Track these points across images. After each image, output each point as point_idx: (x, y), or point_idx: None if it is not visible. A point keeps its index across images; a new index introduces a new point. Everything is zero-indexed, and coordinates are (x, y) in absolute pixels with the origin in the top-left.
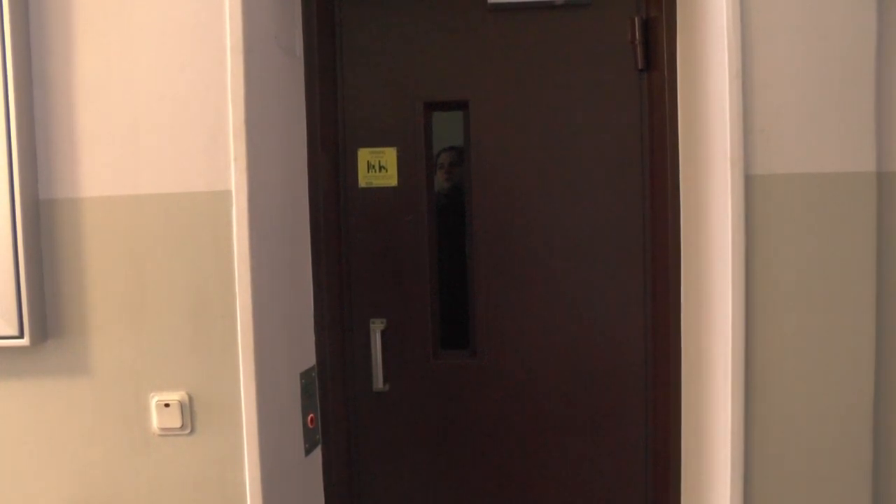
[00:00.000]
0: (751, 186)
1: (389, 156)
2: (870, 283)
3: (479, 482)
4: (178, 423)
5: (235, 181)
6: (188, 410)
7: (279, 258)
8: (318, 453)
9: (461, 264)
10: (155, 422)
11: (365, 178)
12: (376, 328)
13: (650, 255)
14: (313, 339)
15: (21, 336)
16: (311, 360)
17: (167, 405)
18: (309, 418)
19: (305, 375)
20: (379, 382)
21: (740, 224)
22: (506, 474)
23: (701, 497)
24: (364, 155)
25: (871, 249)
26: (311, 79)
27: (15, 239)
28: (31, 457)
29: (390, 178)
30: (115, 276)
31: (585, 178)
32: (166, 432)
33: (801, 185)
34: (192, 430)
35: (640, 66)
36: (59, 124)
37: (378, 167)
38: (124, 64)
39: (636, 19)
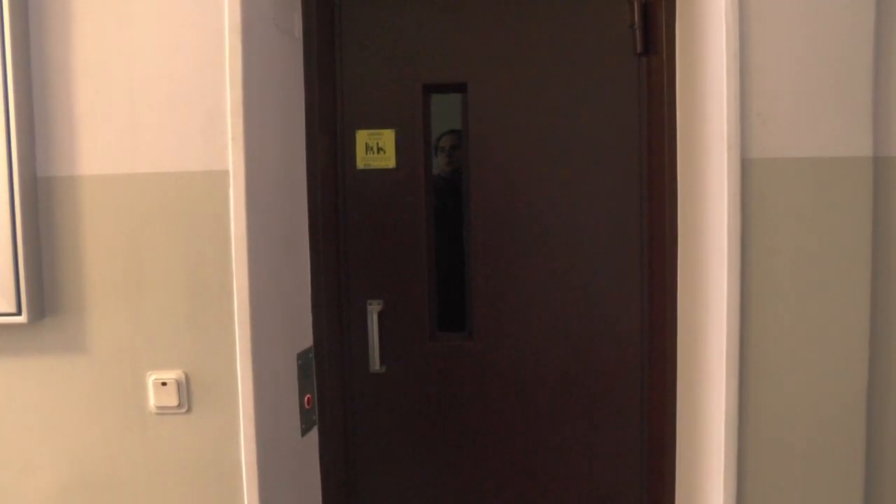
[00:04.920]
0: (747, 170)
1: (388, 138)
2: (865, 267)
3: (475, 464)
4: (174, 402)
5: (233, 161)
6: (185, 389)
7: (276, 238)
8: (314, 434)
9: (461, 247)
10: (152, 400)
11: (363, 160)
12: (373, 310)
13: (647, 238)
14: (310, 319)
15: (19, 313)
16: (308, 340)
17: (164, 384)
18: (306, 399)
19: (302, 356)
20: (376, 364)
21: (736, 207)
22: (501, 457)
23: (695, 481)
24: (362, 136)
25: (867, 234)
26: (310, 60)
27: (13, 216)
28: (27, 434)
29: (388, 160)
30: (113, 254)
31: (584, 162)
32: (163, 411)
33: (798, 169)
34: (189, 409)
35: (639, 50)
36: (57, 102)
37: (376, 149)
38: (123, 43)
39: (636, 3)
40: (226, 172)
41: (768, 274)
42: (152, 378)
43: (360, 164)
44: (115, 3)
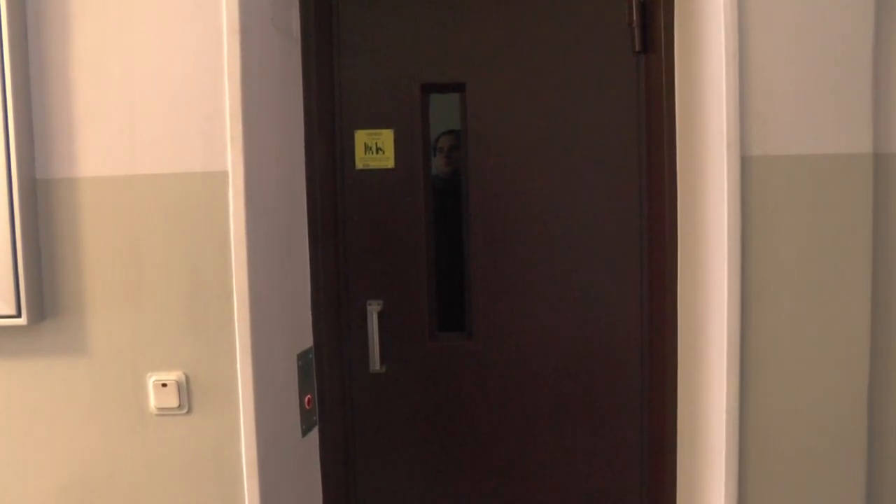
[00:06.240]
0: (747, 168)
1: (386, 138)
2: (866, 264)
3: (475, 464)
4: (175, 403)
5: (232, 162)
6: (185, 390)
7: (276, 239)
8: (314, 434)
9: (460, 247)
10: (152, 401)
11: (362, 160)
12: (373, 310)
13: (647, 237)
14: (310, 320)
15: (18, 315)
16: (308, 341)
17: (164, 385)
18: (306, 399)
19: (302, 357)
20: (376, 364)
21: (736, 205)
22: (502, 457)
23: (696, 481)
24: (361, 137)
25: (867, 231)
26: (308, 60)
27: (12, 218)
28: (28, 436)
29: (387, 161)
30: (112, 256)
31: (583, 161)
32: (163, 412)
33: (798, 166)
34: (189, 410)
35: (637, 49)
36: (56, 104)
37: (375, 149)
38: (121, 44)
39: (634, 1)
40: (225, 173)
41: (768, 272)
42: (152, 379)
43: (358, 165)
44: (114, 5)
